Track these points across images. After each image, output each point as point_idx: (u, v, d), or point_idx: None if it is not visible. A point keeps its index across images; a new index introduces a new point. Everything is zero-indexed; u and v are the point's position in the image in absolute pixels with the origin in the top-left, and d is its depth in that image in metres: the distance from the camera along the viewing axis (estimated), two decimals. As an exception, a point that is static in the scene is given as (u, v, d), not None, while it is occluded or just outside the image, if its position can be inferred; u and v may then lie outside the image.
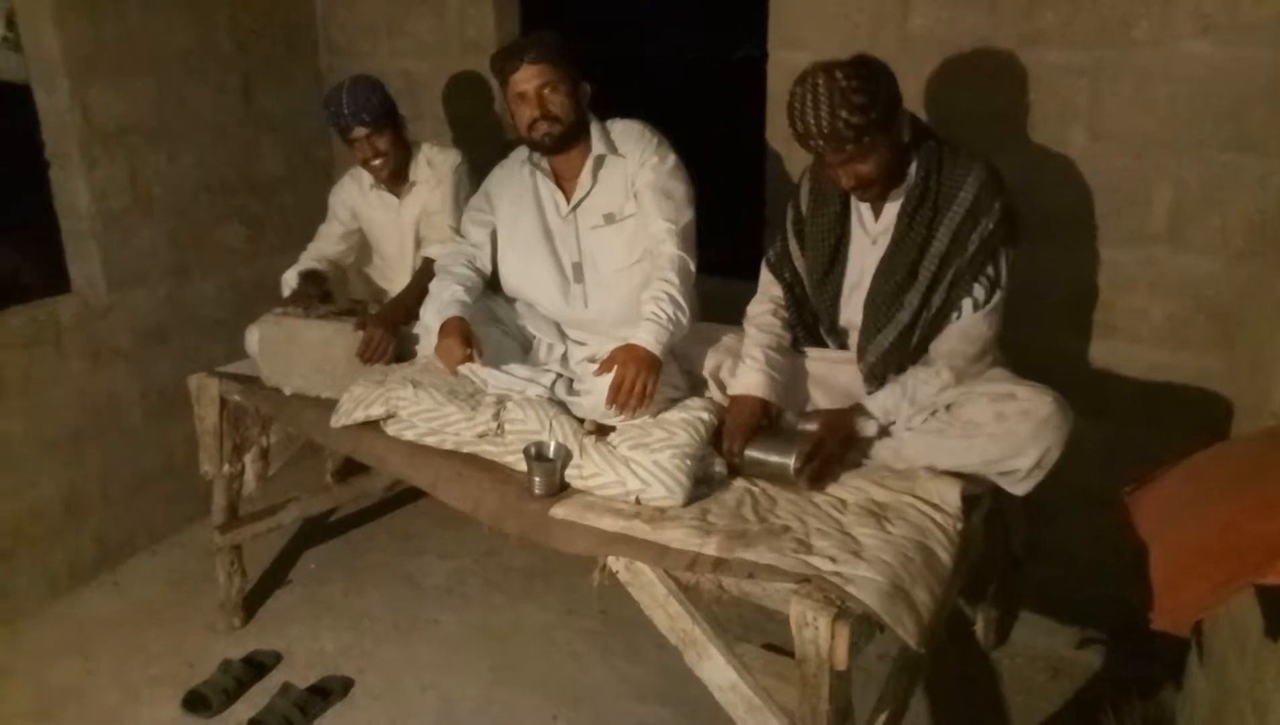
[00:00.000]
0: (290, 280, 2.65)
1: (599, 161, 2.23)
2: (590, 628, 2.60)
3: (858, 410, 1.90)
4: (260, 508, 2.70)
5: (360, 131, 2.51)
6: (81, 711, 2.35)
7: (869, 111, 1.73)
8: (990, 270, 1.87)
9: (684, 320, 2.03)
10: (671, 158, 2.21)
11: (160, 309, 3.01)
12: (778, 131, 2.62)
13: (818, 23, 2.46)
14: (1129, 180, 2.20)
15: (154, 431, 3.04)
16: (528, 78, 2.13)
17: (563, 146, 2.20)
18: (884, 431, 1.91)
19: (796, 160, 2.55)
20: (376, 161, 2.57)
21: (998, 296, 1.89)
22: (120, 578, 2.93)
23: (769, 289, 2.14)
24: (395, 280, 2.78)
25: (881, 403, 1.89)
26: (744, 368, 1.99)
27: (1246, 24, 2.00)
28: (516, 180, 2.34)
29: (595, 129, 2.23)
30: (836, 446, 1.86)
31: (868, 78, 1.74)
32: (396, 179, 2.66)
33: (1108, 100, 2.18)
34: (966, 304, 1.88)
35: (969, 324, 1.89)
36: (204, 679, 2.39)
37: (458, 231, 2.51)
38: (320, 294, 2.58)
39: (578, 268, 2.28)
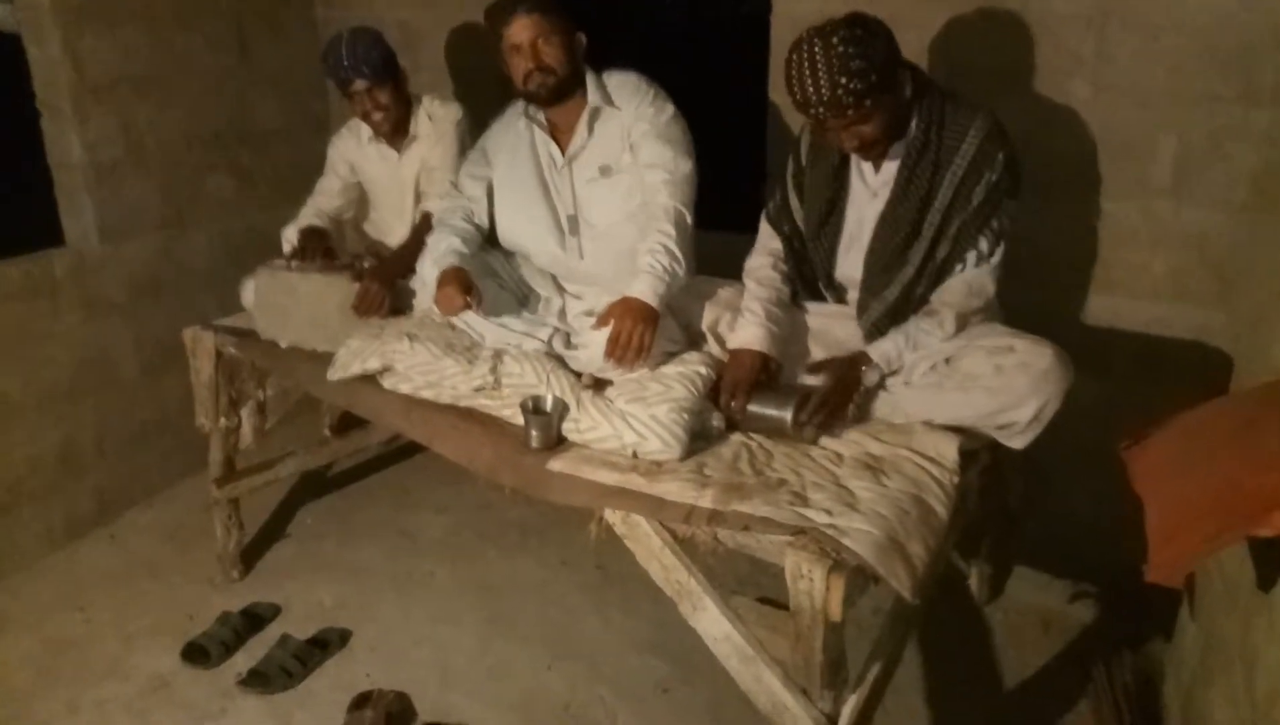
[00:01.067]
0: (290, 236, 2.62)
1: (594, 114, 2.20)
2: (585, 581, 2.61)
3: (861, 358, 1.88)
4: (257, 462, 2.71)
5: (360, 85, 2.47)
6: (81, 662, 2.36)
7: (869, 75, 1.70)
8: (995, 223, 1.86)
9: (681, 272, 2.02)
10: (669, 109, 2.18)
11: (154, 261, 3.00)
12: (779, 84, 2.58)
13: (820, -28, 2.42)
14: (1133, 133, 2.17)
15: (149, 385, 3.03)
16: (521, 29, 2.09)
17: (558, 98, 2.17)
18: (883, 381, 1.89)
19: (797, 114, 2.51)
20: (377, 116, 2.53)
21: (1001, 248, 1.88)
22: (117, 531, 2.94)
23: (768, 242, 2.13)
24: (393, 234, 2.75)
25: (884, 350, 1.87)
26: (743, 321, 1.97)
27: (1257, -27, 1.97)
28: (513, 133, 2.31)
29: (591, 81, 2.20)
30: (839, 397, 1.84)
31: (865, 40, 1.70)
32: (397, 133, 2.62)
33: (1113, 51, 2.14)
34: (971, 256, 1.87)
35: (973, 276, 1.88)
36: (203, 630, 2.41)
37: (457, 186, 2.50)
38: (323, 250, 2.55)
39: (573, 220, 2.26)
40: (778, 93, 2.59)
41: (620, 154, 2.19)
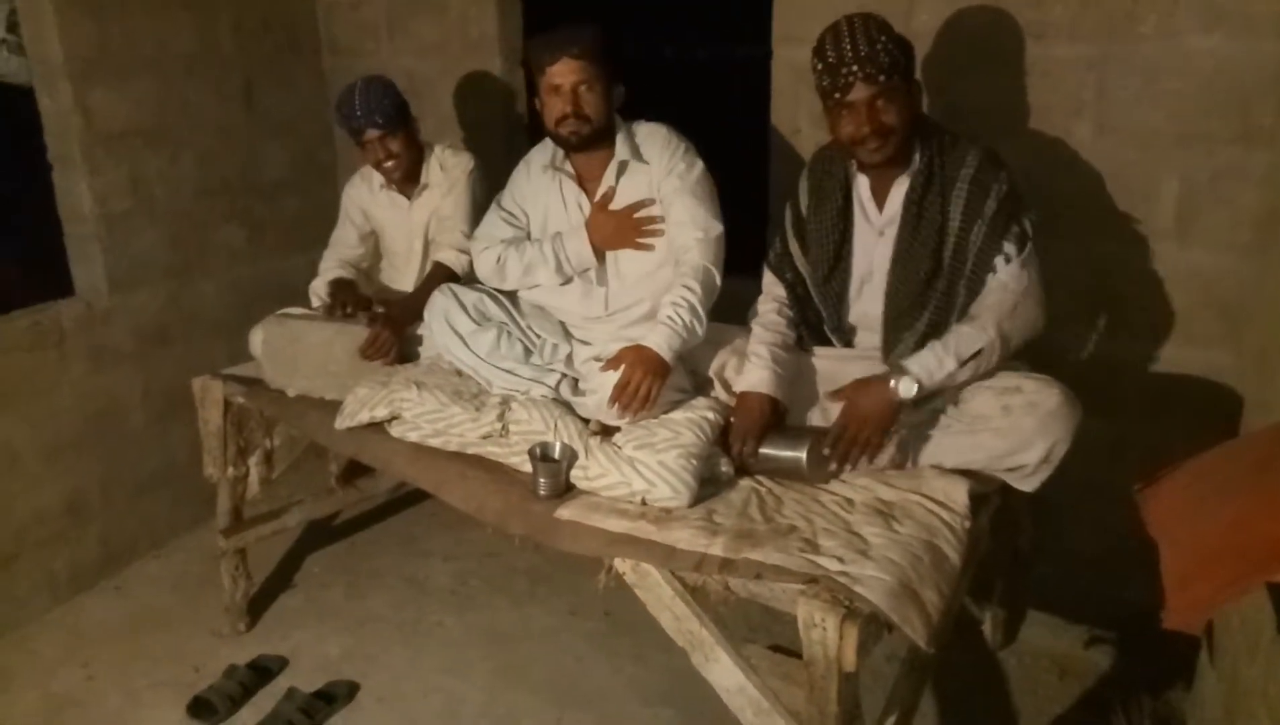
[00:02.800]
0: (319, 290, 2.63)
1: (622, 167, 2.19)
2: (595, 629, 2.58)
3: (891, 374, 1.79)
4: (264, 511, 2.70)
5: (373, 133, 2.50)
6: (84, 718, 2.34)
7: (901, 47, 1.79)
8: (1015, 227, 1.84)
9: (699, 330, 2.02)
10: (699, 165, 2.18)
11: (163, 311, 3.01)
12: (782, 125, 2.61)
13: (822, 18, 2.41)
14: (1136, 174, 2.19)
15: (157, 434, 3.03)
16: (566, 72, 2.08)
17: (587, 146, 2.17)
18: (926, 400, 1.81)
19: (799, 156, 2.54)
20: (389, 163, 2.55)
21: (1029, 247, 1.84)
22: (123, 582, 2.92)
23: (772, 289, 2.14)
24: (403, 282, 2.76)
25: (923, 361, 1.78)
26: (749, 366, 1.97)
27: (1253, 16, 1.99)
28: (540, 186, 2.30)
29: (621, 132, 2.19)
30: (862, 427, 1.78)
31: (895, 30, 1.82)
32: (408, 181, 2.64)
33: (1114, 94, 2.16)
34: (999, 261, 1.84)
35: (1008, 276, 1.84)
36: (209, 684, 2.38)
37: (469, 236, 2.51)
38: (359, 300, 2.53)
39: (600, 273, 2.25)
40: (780, 135, 2.62)
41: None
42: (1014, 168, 1.90)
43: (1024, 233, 1.85)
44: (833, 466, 1.81)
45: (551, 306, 2.32)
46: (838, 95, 1.81)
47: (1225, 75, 2.04)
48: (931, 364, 1.77)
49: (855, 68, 1.76)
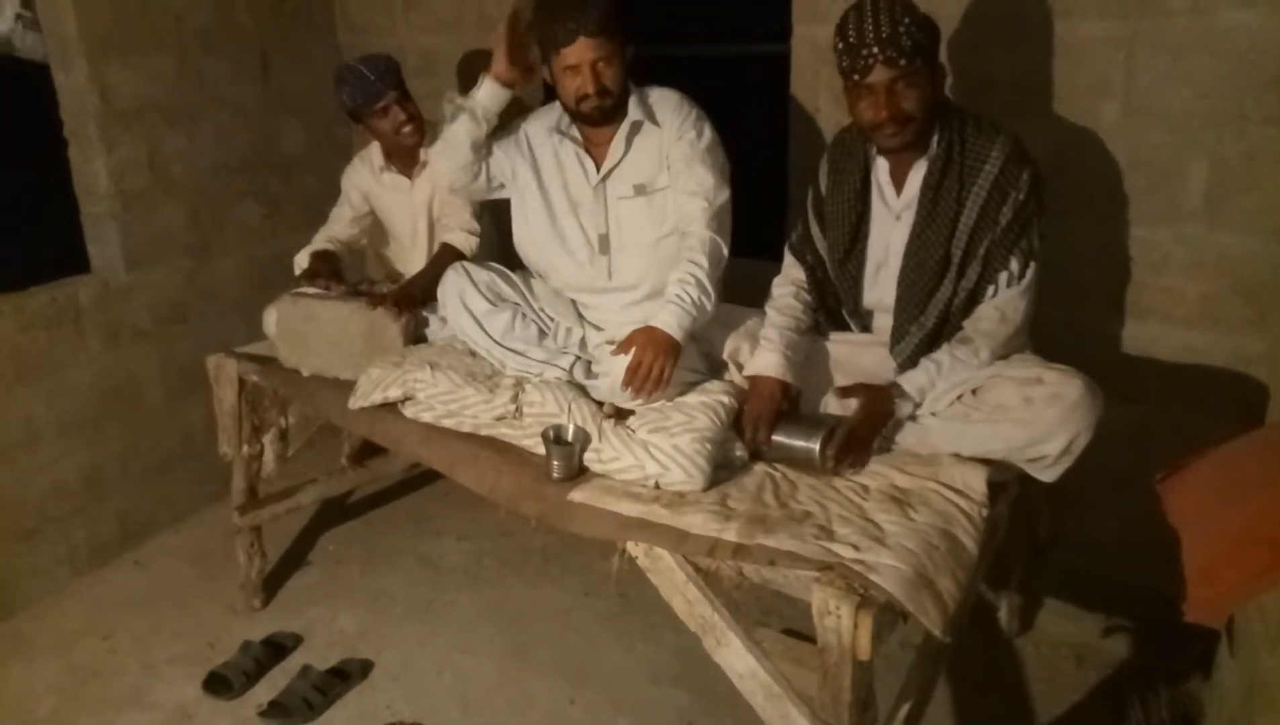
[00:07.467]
0: (302, 261, 2.63)
1: (634, 128, 2.13)
2: (607, 610, 2.58)
3: (893, 390, 1.84)
4: (279, 489, 2.70)
5: (391, 95, 2.49)
6: (104, 690, 2.36)
7: (924, 29, 1.75)
8: (1024, 242, 1.83)
9: (709, 306, 1.98)
10: (709, 132, 2.13)
11: (179, 289, 3.01)
12: (801, 105, 2.57)
13: (842, -4, 2.41)
14: (1164, 156, 2.13)
15: (174, 411, 3.04)
16: (584, 50, 2.00)
17: (609, 119, 2.12)
18: (913, 412, 1.86)
19: (819, 136, 2.50)
20: (408, 127, 2.53)
21: (1032, 270, 1.85)
22: (141, 557, 2.94)
23: (791, 271, 2.11)
24: (409, 263, 2.75)
25: (916, 382, 1.83)
26: (761, 349, 1.95)
27: (1289, -7, 1.93)
28: (542, 146, 2.25)
29: (634, 95, 2.13)
30: (867, 429, 1.81)
31: (920, 12, 1.77)
32: (408, 158, 2.63)
33: (1143, 73, 2.11)
34: (1003, 278, 1.85)
35: (1005, 301, 1.85)
36: (224, 660, 2.40)
37: (478, 219, 2.52)
38: (331, 271, 2.55)
39: (604, 239, 2.21)
40: (800, 117, 2.58)
41: (656, 173, 2.14)
42: (1038, 153, 1.86)
43: (1031, 250, 1.85)
44: (833, 463, 1.79)
45: (561, 277, 2.27)
46: (856, 76, 1.77)
47: (1259, 53, 1.98)
48: (925, 385, 1.84)
49: (875, 49, 1.72)
